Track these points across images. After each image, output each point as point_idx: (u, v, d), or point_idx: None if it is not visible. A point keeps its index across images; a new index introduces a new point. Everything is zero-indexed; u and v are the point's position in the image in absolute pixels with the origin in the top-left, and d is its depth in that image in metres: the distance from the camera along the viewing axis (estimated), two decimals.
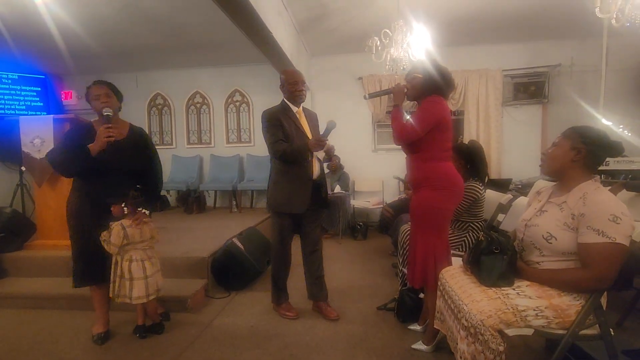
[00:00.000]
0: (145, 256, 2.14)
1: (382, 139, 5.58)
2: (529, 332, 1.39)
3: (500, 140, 5.14)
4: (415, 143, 1.90)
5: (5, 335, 2.33)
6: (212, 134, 6.04)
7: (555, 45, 4.92)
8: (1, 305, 2.74)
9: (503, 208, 2.56)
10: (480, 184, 2.46)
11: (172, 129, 6.12)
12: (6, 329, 2.43)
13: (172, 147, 6.10)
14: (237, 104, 5.98)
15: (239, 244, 3.13)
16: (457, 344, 1.48)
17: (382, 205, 4.55)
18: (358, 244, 4.56)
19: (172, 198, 5.93)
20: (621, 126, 4.43)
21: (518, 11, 3.99)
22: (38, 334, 2.33)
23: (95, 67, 5.53)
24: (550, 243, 1.44)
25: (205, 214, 5.26)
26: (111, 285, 2.10)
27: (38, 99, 5.74)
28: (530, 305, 1.38)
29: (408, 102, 2.06)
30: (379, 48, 3.55)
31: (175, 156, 5.94)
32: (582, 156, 1.44)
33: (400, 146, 2.00)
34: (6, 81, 5.44)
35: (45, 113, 5.68)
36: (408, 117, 1.94)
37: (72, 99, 6.01)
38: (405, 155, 2.03)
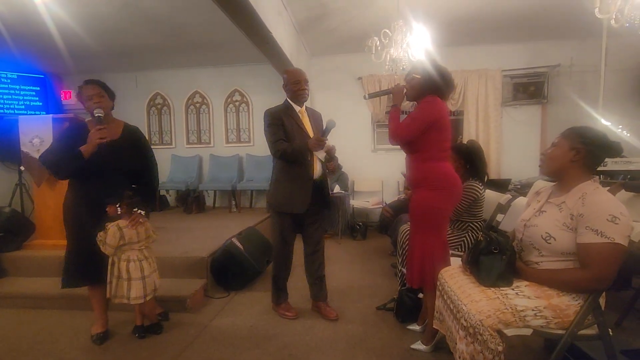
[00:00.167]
0: (142, 256, 2.13)
1: (381, 139, 5.58)
2: (527, 332, 1.39)
3: (500, 140, 5.14)
4: (413, 143, 1.91)
5: (5, 335, 2.33)
6: (211, 133, 6.04)
7: (555, 46, 4.93)
8: (0, 305, 2.74)
9: (502, 208, 2.56)
10: (480, 184, 2.47)
11: (171, 129, 6.12)
12: (5, 329, 2.42)
13: (171, 146, 6.10)
14: (237, 103, 5.98)
15: (238, 244, 3.13)
16: (456, 343, 1.48)
17: (381, 205, 4.55)
18: (357, 244, 4.56)
19: (171, 198, 5.93)
20: (620, 126, 4.44)
21: (518, 11, 3.99)
22: (37, 334, 2.33)
23: (94, 67, 5.53)
24: (549, 243, 1.44)
25: (205, 214, 5.26)
26: (108, 285, 2.09)
27: (37, 98, 5.73)
28: (529, 305, 1.39)
29: (408, 102, 2.07)
30: (379, 48, 3.55)
31: (175, 156, 5.94)
32: (581, 156, 1.44)
33: (399, 146, 2.00)
34: (5, 80, 5.43)
35: (44, 113, 5.68)
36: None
37: (71, 98, 6.01)
38: (405, 155, 2.03)
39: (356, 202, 5.19)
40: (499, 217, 2.57)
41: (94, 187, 2.05)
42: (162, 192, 5.67)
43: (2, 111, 5.36)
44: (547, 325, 1.39)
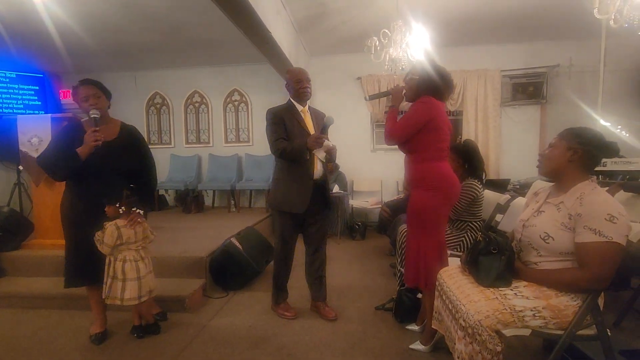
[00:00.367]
0: (139, 256, 2.12)
1: (380, 139, 5.57)
2: (526, 332, 1.39)
3: (499, 140, 5.15)
4: (410, 143, 1.91)
5: (3, 335, 2.32)
6: (210, 133, 6.03)
7: (554, 46, 4.93)
8: None
9: (501, 208, 2.56)
10: (479, 182, 2.47)
11: (170, 129, 6.11)
12: (4, 328, 2.42)
13: (170, 146, 6.09)
14: (236, 103, 5.97)
15: (237, 244, 3.12)
16: (454, 344, 1.48)
17: (380, 205, 4.55)
18: (356, 243, 4.56)
19: (170, 197, 5.91)
20: (619, 127, 4.45)
21: (517, 11, 3.99)
22: (36, 334, 2.32)
23: (93, 66, 5.52)
24: (548, 243, 1.44)
25: (204, 214, 5.25)
26: (104, 285, 2.08)
27: (36, 97, 5.72)
28: (528, 305, 1.39)
29: (407, 103, 2.07)
30: (378, 48, 3.55)
31: (174, 155, 5.93)
32: (579, 156, 1.44)
33: (397, 146, 2.01)
34: (4, 80, 5.41)
35: (43, 112, 5.66)
36: None
37: (70, 97, 6.02)
38: (404, 155, 2.03)
39: (355, 202, 5.19)
40: (498, 217, 2.57)
41: (92, 187, 2.04)
42: (161, 192, 5.66)
43: (0, 110, 5.34)
44: (546, 325, 1.39)
